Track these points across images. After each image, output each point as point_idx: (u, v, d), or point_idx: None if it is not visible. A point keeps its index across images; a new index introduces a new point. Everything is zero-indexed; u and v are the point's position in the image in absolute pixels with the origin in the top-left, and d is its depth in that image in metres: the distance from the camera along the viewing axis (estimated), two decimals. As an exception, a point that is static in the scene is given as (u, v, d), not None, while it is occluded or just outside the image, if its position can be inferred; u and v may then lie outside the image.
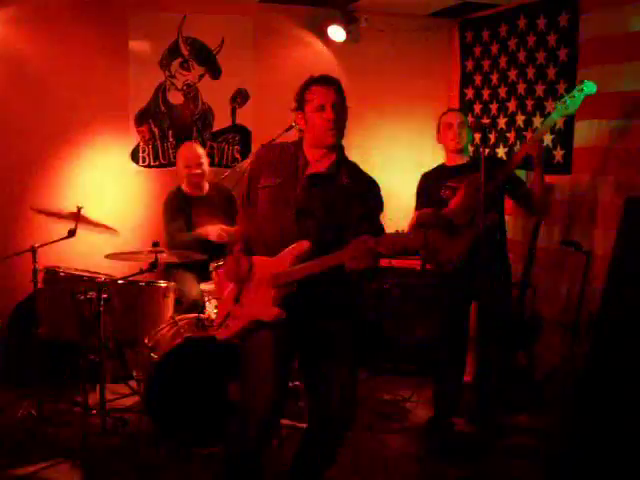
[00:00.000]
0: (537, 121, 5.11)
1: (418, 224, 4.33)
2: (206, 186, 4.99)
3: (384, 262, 5.47)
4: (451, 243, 4.11)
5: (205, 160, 4.97)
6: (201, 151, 4.99)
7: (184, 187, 4.97)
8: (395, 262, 5.47)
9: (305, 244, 2.77)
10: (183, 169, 4.92)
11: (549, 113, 4.94)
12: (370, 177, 3.02)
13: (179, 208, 4.88)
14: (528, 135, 5.20)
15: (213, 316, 4.09)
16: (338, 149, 2.97)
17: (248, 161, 3.02)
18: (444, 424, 4.27)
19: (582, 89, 3.86)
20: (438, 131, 4.32)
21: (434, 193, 4.24)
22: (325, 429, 2.98)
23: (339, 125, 2.90)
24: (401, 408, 4.71)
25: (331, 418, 2.94)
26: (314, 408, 3.02)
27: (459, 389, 4.29)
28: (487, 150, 5.38)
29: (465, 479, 3.69)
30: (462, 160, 4.24)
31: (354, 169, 3.00)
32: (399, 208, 6.05)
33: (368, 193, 2.96)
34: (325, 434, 2.99)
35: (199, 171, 4.90)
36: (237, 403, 3.00)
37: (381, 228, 2.86)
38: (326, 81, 2.92)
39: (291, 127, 3.03)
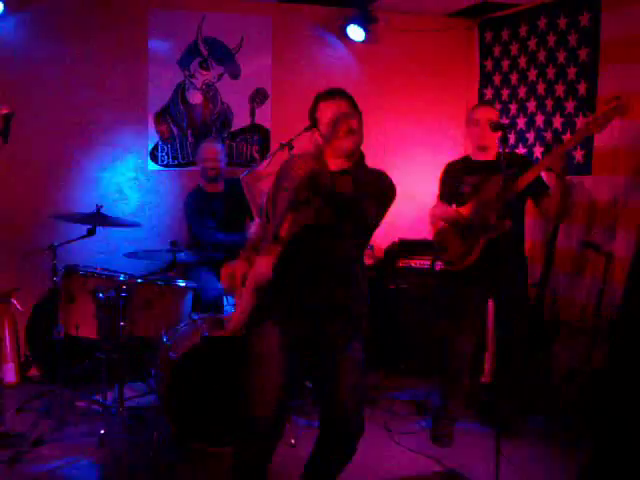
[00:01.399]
0: (557, 121, 5.08)
1: (435, 216, 4.33)
2: (222, 183, 5.05)
3: (402, 263, 5.48)
4: (461, 244, 4.08)
5: (223, 157, 5.04)
6: (219, 148, 5.07)
7: (203, 185, 5.02)
8: (412, 262, 5.47)
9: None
10: (202, 163, 5.06)
11: (570, 114, 4.94)
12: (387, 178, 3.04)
13: (200, 206, 4.93)
14: (548, 135, 5.17)
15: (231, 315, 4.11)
16: (359, 156, 3.02)
17: (267, 161, 3.03)
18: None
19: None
20: (466, 124, 4.29)
21: (456, 185, 4.20)
22: (333, 437, 3.00)
23: (357, 132, 2.95)
24: (417, 408, 4.70)
25: (338, 427, 2.97)
26: (322, 415, 3.05)
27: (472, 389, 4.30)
28: (506, 151, 5.37)
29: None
30: (488, 155, 4.16)
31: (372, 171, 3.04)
32: (418, 207, 6.09)
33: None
34: (334, 442, 3.01)
35: (215, 166, 4.99)
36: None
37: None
38: (332, 94, 2.98)
39: (310, 127, 3.03)
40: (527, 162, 4.25)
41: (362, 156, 3.04)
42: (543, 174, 4.03)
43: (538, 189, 4.04)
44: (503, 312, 4.20)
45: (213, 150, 5.06)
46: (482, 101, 4.68)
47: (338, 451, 3.03)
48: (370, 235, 3.02)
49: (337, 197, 2.75)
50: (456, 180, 4.22)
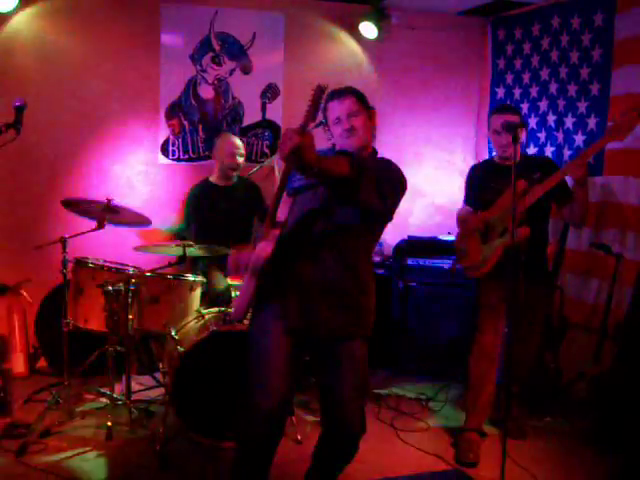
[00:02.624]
0: (569, 121, 5.06)
1: (460, 221, 4.31)
2: (235, 178, 5.03)
3: (411, 261, 5.47)
4: (480, 249, 4.06)
5: (244, 152, 5.03)
6: (241, 142, 5.04)
7: (213, 178, 5.01)
8: (422, 260, 5.46)
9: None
10: (225, 157, 4.93)
11: (582, 115, 4.92)
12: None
13: (204, 202, 4.92)
14: (559, 135, 5.16)
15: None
16: (371, 152, 3.03)
17: (277, 156, 3.04)
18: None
19: None
20: (489, 129, 4.22)
21: (480, 190, 4.19)
22: (335, 437, 2.99)
23: (359, 131, 2.96)
24: (424, 408, 4.70)
25: (340, 428, 2.96)
26: (324, 414, 3.04)
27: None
28: (518, 150, 5.35)
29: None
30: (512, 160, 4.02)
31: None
32: (429, 205, 6.10)
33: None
34: (336, 441, 3.00)
35: (241, 160, 4.96)
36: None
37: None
38: (337, 94, 3.01)
39: (321, 123, 3.04)
40: (553, 165, 4.20)
41: (374, 152, 3.05)
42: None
43: (562, 195, 4.00)
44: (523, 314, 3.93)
45: (237, 145, 4.96)
46: (501, 105, 4.45)
47: (340, 450, 3.02)
48: (376, 225, 2.98)
49: (324, 173, 2.61)
50: (480, 184, 4.21)
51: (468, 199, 4.37)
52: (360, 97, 3.01)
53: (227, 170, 4.94)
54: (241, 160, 4.97)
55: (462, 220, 4.31)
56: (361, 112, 2.98)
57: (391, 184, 2.88)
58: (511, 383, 4.14)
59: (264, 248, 2.84)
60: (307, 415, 4.41)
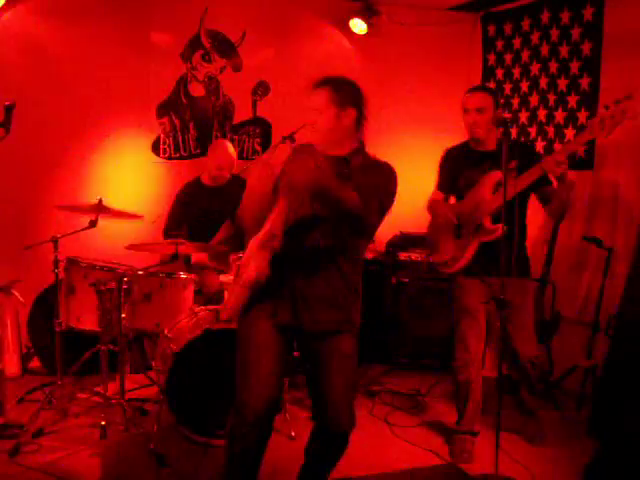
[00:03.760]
0: (559, 116, 5.07)
1: (430, 209, 4.12)
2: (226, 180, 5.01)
3: (403, 256, 5.48)
4: (452, 245, 3.90)
5: (235, 161, 4.95)
6: (233, 151, 4.94)
7: (204, 179, 4.98)
8: (414, 256, 5.47)
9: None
10: (214, 169, 4.85)
11: (572, 109, 4.93)
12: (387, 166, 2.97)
13: (194, 198, 4.89)
14: (550, 129, 5.16)
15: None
16: (357, 144, 2.98)
17: (268, 154, 3.03)
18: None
19: None
20: (462, 110, 3.88)
21: (453, 176, 3.96)
22: (325, 433, 3.00)
23: (318, 128, 2.90)
24: (418, 403, 4.71)
25: (329, 425, 2.96)
26: (314, 411, 3.04)
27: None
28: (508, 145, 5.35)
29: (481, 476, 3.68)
30: (488, 145, 3.83)
31: (370, 159, 2.97)
32: (419, 201, 6.08)
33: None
34: (326, 437, 3.01)
35: (228, 175, 4.88)
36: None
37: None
38: (318, 84, 2.93)
39: (285, 138, 3.03)
40: (531, 152, 4.00)
41: (361, 145, 2.98)
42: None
43: (541, 190, 3.77)
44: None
45: (227, 160, 4.84)
46: (474, 86, 4.22)
47: (330, 445, 3.02)
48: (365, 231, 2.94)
49: (344, 212, 2.68)
50: (454, 170, 3.97)
51: (441, 185, 4.09)
52: (338, 90, 2.90)
53: (214, 177, 4.90)
54: (228, 175, 4.87)
55: (433, 208, 4.09)
56: (329, 108, 2.88)
57: (389, 197, 2.87)
58: (519, 384, 4.09)
59: (260, 265, 2.80)
60: (301, 411, 4.41)
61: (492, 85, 5.84)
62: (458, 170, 3.95)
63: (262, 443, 2.98)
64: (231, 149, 4.95)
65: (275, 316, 2.87)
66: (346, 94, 2.93)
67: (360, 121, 2.98)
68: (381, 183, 2.86)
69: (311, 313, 2.87)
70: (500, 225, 3.54)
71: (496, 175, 3.64)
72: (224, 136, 5.56)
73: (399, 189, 2.94)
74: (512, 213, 3.62)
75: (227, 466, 3.01)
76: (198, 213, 4.86)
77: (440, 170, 4.11)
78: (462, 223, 3.88)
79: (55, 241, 4.20)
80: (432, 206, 4.13)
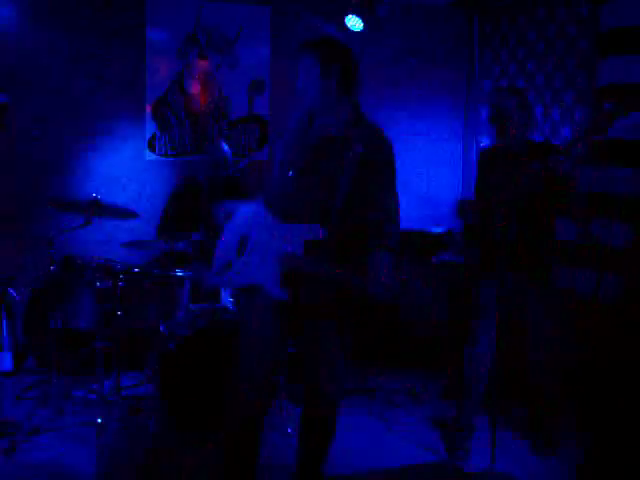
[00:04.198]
0: (555, 113, 5.07)
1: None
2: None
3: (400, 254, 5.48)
4: (481, 244, 3.91)
5: (230, 160, 4.95)
6: (228, 150, 4.96)
7: (199, 177, 4.98)
8: (410, 253, 5.46)
9: (320, 231, 2.67)
10: (209, 168, 4.89)
11: (568, 106, 4.93)
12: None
13: (188, 196, 4.89)
14: (546, 127, 5.16)
15: (228, 305, 4.11)
16: (351, 109, 2.89)
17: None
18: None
19: None
20: None
21: (483, 178, 3.97)
22: (312, 405, 3.03)
23: (305, 92, 2.86)
24: (415, 399, 4.70)
25: (316, 394, 2.99)
26: (304, 396, 3.09)
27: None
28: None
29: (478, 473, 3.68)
30: (514, 145, 3.79)
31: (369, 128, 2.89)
32: (414, 198, 6.10)
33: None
34: (313, 411, 3.04)
35: (224, 174, 4.89)
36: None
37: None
38: (300, 48, 2.88)
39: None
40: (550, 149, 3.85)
41: (355, 111, 2.89)
42: None
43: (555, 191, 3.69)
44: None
45: (226, 158, 4.91)
46: (496, 85, 4.13)
47: (317, 419, 3.05)
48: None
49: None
50: (484, 172, 3.98)
51: (476, 188, 4.08)
52: (319, 48, 2.83)
53: (209, 176, 4.90)
54: (223, 174, 4.89)
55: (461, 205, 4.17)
56: (313, 68, 2.81)
57: (390, 187, 2.85)
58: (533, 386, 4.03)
59: None
60: (298, 407, 4.40)
61: (488, 82, 5.84)
62: (487, 169, 3.97)
63: (257, 433, 3.00)
64: (226, 148, 4.96)
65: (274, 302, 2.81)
66: (328, 50, 2.85)
67: (348, 79, 2.87)
68: (383, 168, 2.82)
69: (305, 289, 2.82)
70: (504, 223, 3.55)
71: (518, 178, 3.63)
72: (220, 133, 5.55)
73: (398, 186, 2.93)
74: (524, 213, 3.62)
75: (225, 461, 3.02)
76: (193, 211, 4.85)
77: (477, 169, 4.12)
78: (483, 224, 3.89)
79: (51, 238, 4.20)
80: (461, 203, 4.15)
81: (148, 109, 5.43)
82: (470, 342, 3.92)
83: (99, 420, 3.90)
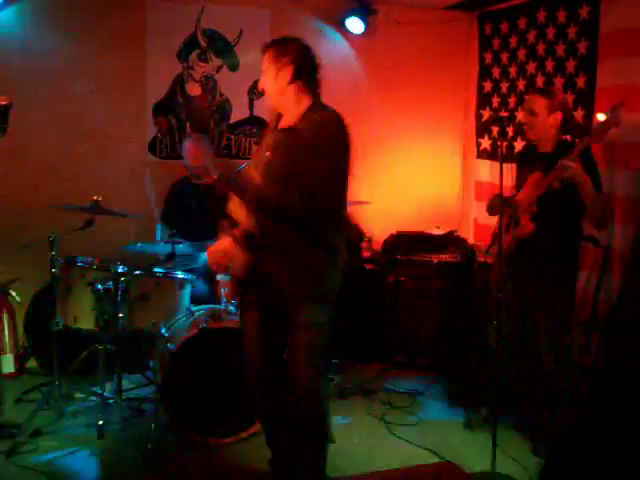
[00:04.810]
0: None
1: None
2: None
3: (400, 255, 5.48)
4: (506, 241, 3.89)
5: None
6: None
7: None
8: (411, 255, 5.47)
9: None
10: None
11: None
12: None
13: (186, 197, 4.89)
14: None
15: (229, 307, 4.12)
16: (311, 107, 2.94)
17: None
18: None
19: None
20: None
21: (518, 173, 4.05)
22: (288, 397, 3.09)
23: (265, 93, 3.00)
24: (415, 401, 4.71)
25: (289, 387, 3.05)
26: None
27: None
28: (505, 144, 5.36)
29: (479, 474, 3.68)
30: (545, 146, 3.86)
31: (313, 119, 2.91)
32: (415, 200, 6.10)
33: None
34: (288, 401, 3.09)
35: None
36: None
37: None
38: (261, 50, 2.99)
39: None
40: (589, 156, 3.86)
41: (315, 103, 2.95)
42: None
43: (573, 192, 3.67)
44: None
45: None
46: (534, 88, 4.34)
47: (292, 407, 3.07)
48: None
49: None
50: (518, 169, 4.06)
51: (516, 185, 4.08)
52: (273, 48, 2.92)
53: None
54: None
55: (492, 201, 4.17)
56: (269, 69, 2.90)
57: (338, 174, 2.89)
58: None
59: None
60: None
61: (489, 84, 5.84)
62: (523, 167, 4.03)
63: (271, 415, 3.25)
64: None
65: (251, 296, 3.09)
66: (281, 49, 2.91)
67: (304, 78, 2.93)
68: (326, 149, 2.81)
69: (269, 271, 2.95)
70: (529, 223, 3.69)
71: (536, 175, 3.71)
72: (221, 135, 5.56)
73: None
74: (544, 213, 3.69)
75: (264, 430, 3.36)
76: (190, 211, 4.86)
77: (517, 169, 4.17)
78: (509, 222, 3.94)
79: (52, 240, 4.20)
80: (492, 200, 4.20)
81: (149, 111, 5.43)
82: (484, 343, 4.03)
83: (100, 422, 3.90)
